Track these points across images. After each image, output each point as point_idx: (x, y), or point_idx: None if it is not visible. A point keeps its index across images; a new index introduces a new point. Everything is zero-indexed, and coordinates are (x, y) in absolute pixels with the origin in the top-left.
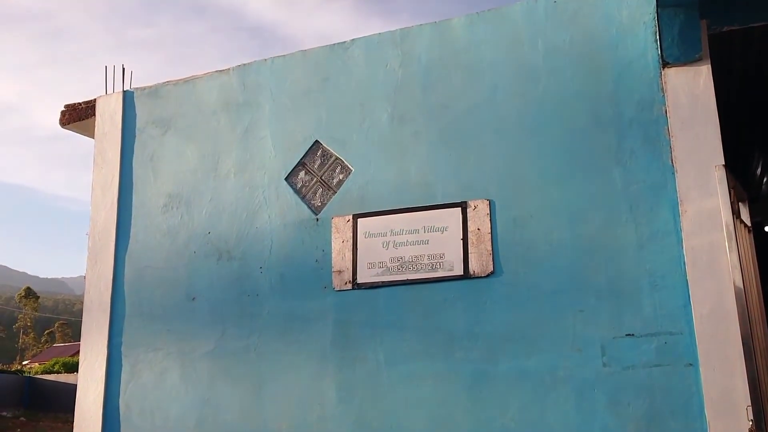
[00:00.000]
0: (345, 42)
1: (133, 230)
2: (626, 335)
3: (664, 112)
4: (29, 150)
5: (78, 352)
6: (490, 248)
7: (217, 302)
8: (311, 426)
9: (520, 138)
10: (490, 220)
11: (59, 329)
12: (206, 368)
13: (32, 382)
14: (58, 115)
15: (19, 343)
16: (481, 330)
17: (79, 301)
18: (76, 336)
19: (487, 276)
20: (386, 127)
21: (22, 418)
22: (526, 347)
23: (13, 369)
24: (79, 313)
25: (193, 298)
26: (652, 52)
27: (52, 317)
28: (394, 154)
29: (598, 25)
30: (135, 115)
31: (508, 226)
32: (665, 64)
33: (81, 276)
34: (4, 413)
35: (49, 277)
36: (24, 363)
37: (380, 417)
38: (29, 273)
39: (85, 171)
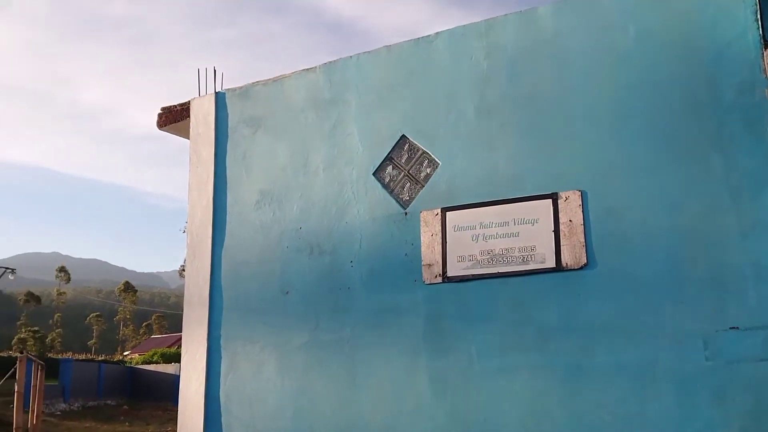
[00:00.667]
0: (429, 35)
1: (228, 227)
2: (730, 328)
3: (766, 95)
4: (123, 150)
5: (174, 343)
6: (583, 240)
7: (309, 296)
8: (405, 417)
9: (612, 126)
10: (583, 211)
11: (156, 321)
12: (301, 360)
13: (133, 372)
14: (153, 117)
15: (120, 335)
16: (576, 322)
17: (174, 294)
18: (172, 327)
19: (581, 268)
20: (473, 120)
21: (125, 406)
22: (623, 340)
23: (115, 359)
24: (174, 306)
25: (287, 292)
26: (753, 33)
27: (149, 310)
28: (482, 147)
29: (693, 5)
30: (227, 115)
31: (602, 217)
32: (767, 44)
33: (175, 270)
34: (110, 401)
35: (145, 271)
36: (125, 353)
37: (474, 409)
38: (127, 268)
39: (175, 169)
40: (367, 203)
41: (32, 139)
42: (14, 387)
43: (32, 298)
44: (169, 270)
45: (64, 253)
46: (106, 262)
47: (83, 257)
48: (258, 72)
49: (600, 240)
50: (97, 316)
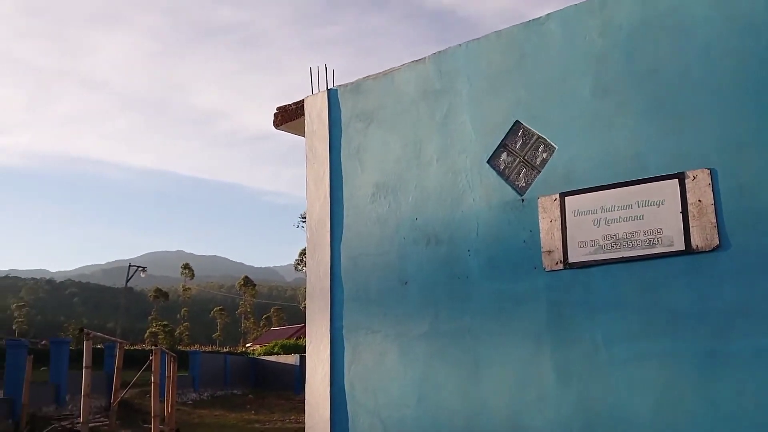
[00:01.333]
0: (540, 17)
1: (345, 220)
2: None
3: None
4: (237, 151)
5: (293, 334)
6: (714, 220)
7: (428, 285)
8: (530, 406)
9: (741, 98)
10: (713, 190)
11: (275, 314)
12: (423, 349)
13: (256, 362)
14: (264, 117)
15: (242, 327)
16: (709, 307)
17: (290, 287)
18: (290, 319)
19: (713, 250)
20: (589, 101)
21: (250, 396)
22: (762, 324)
23: (238, 351)
24: (291, 299)
25: (406, 282)
26: None
27: (267, 303)
28: (600, 128)
29: None
30: (340, 111)
31: (734, 196)
32: None
33: (290, 264)
34: (236, 391)
35: (262, 266)
36: (247, 345)
37: (602, 398)
38: (245, 263)
39: (286, 166)
40: (482, 191)
41: (153, 145)
42: (150, 378)
43: (161, 294)
44: (284, 264)
45: (187, 251)
46: (226, 259)
47: (205, 254)
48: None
49: (733, 220)
50: (220, 309)
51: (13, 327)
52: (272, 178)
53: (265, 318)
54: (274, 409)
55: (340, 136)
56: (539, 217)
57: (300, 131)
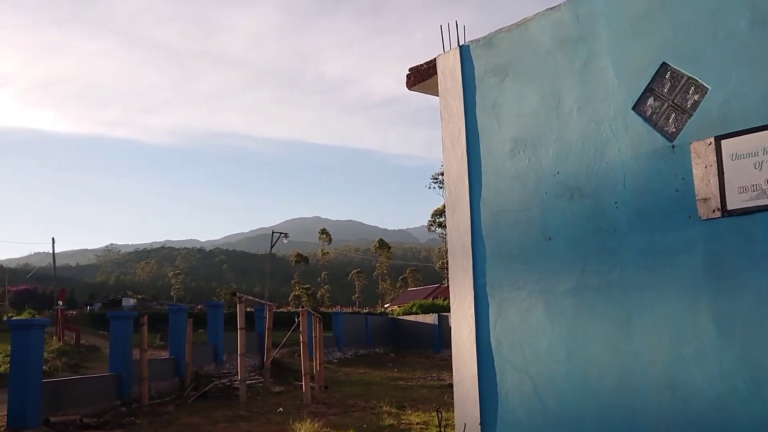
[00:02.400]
0: None
1: (484, 177)
2: None
3: None
4: (366, 116)
5: (429, 294)
6: None
7: (573, 240)
8: (687, 360)
9: None
10: None
11: (410, 275)
12: (570, 305)
13: (396, 322)
14: (391, 82)
15: (379, 289)
16: None
17: (424, 248)
18: (426, 280)
19: None
20: (746, 35)
21: (391, 354)
22: None
23: (377, 311)
24: (425, 259)
25: (549, 238)
26: None
27: (403, 264)
28: (760, 64)
29: None
30: (473, 67)
31: None
32: None
33: (423, 226)
34: (377, 350)
35: (396, 228)
36: (386, 306)
37: None
38: (379, 226)
39: (415, 129)
40: (628, 140)
41: (287, 116)
42: (298, 338)
43: (301, 259)
44: (417, 226)
45: (323, 216)
46: (360, 222)
47: (340, 219)
48: (494, 21)
49: None
50: (357, 272)
51: (171, 293)
52: (402, 140)
53: (401, 279)
54: (416, 367)
55: (475, 92)
56: (692, 164)
57: (433, 91)
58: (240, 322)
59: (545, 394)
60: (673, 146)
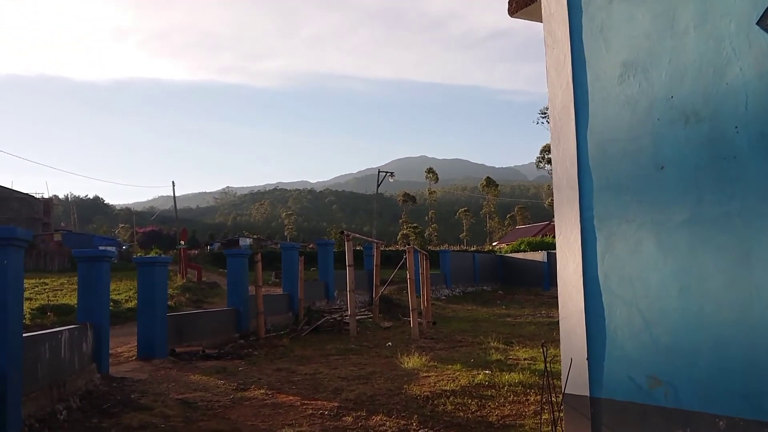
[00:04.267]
0: None
1: (591, 106)
2: None
3: None
4: (470, 52)
5: (538, 232)
6: None
7: (688, 169)
8: None
9: None
10: None
11: (519, 212)
12: (684, 237)
13: (504, 260)
14: (494, 16)
15: (487, 227)
16: None
17: (533, 186)
18: (534, 218)
19: None
20: None
21: (499, 291)
22: None
23: (485, 250)
24: (534, 197)
25: (662, 167)
26: None
27: (511, 201)
28: None
29: None
30: None
31: None
32: None
33: (531, 162)
34: (485, 287)
35: (503, 166)
36: (494, 244)
37: None
38: (486, 164)
39: (523, 63)
40: (751, 58)
41: (391, 56)
42: (406, 275)
43: (408, 198)
44: (525, 163)
45: (429, 156)
46: (467, 161)
47: (446, 158)
48: None
49: None
50: (464, 211)
51: (285, 233)
52: (509, 76)
53: (509, 217)
54: (524, 305)
55: (581, 15)
56: None
57: (537, 17)
58: (348, 259)
59: (657, 329)
60: None
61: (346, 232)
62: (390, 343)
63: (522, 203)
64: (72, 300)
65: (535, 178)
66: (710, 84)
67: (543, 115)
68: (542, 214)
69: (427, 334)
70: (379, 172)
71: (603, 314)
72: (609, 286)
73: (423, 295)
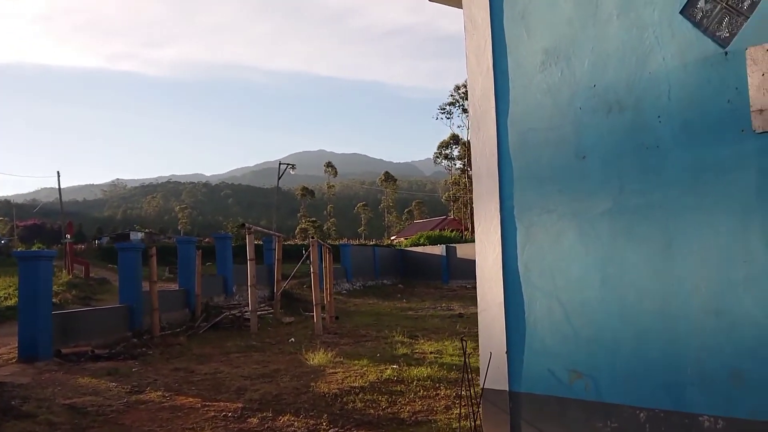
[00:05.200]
0: None
1: (512, 93)
2: None
3: None
4: (370, 47)
5: (435, 226)
6: None
7: (610, 158)
8: (736, 286)
9: None
10: None
11: (416, 207)
12: (605, 227)
13: (404, 253)
14: (396, 11)
15: (385, 221)
16: None
17: (429, 181)
18: (432, 213)
19: None
20: None
21: (400, 285)
22: None
23: (385, 243)
24: (431, 192)
25: (584, 157)
26: None
27: (408, 196)
28: None
29: None
30: None
31: None
32: None
33: (428, 158)
34: (385, 281)
35: (401, 161)
36: (392, 238)
37: None
38: (384, 159)
39: (422, 60)
40: (674, 47)
41: (293, 48)
42: (308, 270)
43: (307, 192)
44: (422, 159)
45: (328, 150)
46: (365, 156)
47: (345, 152)
48: None
49: None
50: (363, 205)
51: (178, 227)
52: (409, 73)
53: (407, 212)
54: (425, 298)
55: (503, 1)
56: (747, 72)
57: (455, 2)
58: (249, 252)
59: (578, 320)
60: (726, 53)
61: (247, 225)
62: (293, 339)
63: (419, 198)
64: None
65: (432, 173)
66: (633, 73)
67: (442, 111)
68: (439, 208)
69: (330, 329)
70: (280, 164)
71: (523, 306)
72: (529, 277)
73: (325, 289)
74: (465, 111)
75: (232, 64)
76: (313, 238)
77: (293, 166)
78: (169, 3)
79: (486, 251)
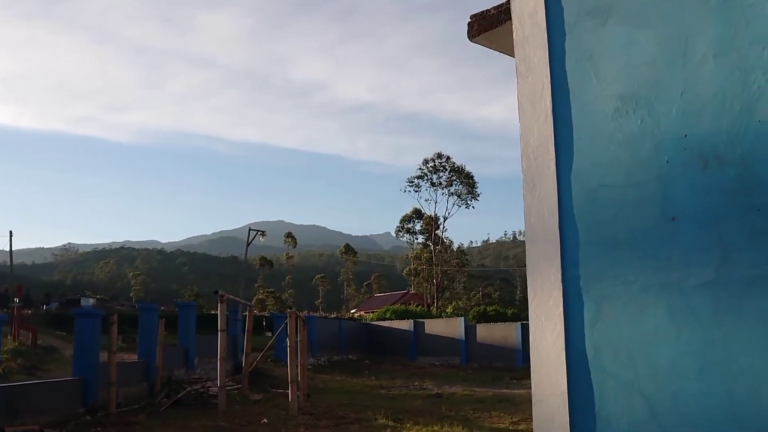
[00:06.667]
0: None
1: (576, 144)
2: None
3: None
4: (334, 121)
5: (397, 300)
6: None
7: (709, 220)
8: None
9: None
10: None
11: (375, 281)
12: (705, 303)
13: (370, 328)
14: (360, 88)
15: (344, 294)
16: None
17: (388, 255)
18: (390, 287)
19: None
20: None
21: (366, 361)
22: None
23: (345, 316)
24: (388, 267)
25: (674, 218)
26: None
27: (367, 270)
28: None
29: None
30: (561, 8)
31: None
32: None
33: (387, 232)
34: (351, 356)
35: (359, 234)
36: (352, 311)
37: None
38: (343, 232)
39: (382, 136)
40: None
41: (256, 119)
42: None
43: (266, 262)
44: (380, 232)
45: (287, 220)
46: (324, 228)
47: (304, 224)
48: None
49: None
50: (321, 277)
51: (131, 294)
52: (370, 148)
53: (365, 285)
54: (394, 375)
55: (564, 40)
56: None
57: (501, 43)
58: (221, 323)
59: (668, 419)
60: None
61: (220, 293)
62: (265, 420)
63: (378, 271)
64: None
65: (391, 247)
66: (736, 122)
67: (410, 184)
68: (398, 283)
69: (304, 409)
70: (250, 230)
71: (592, 398)
72: (600, 362)
73: (299, 365)
74: (433, 185)
75: (196, 132)
76: (290, 308)
77: (263, 233)
78: (134, 69)
79: (544, 329)
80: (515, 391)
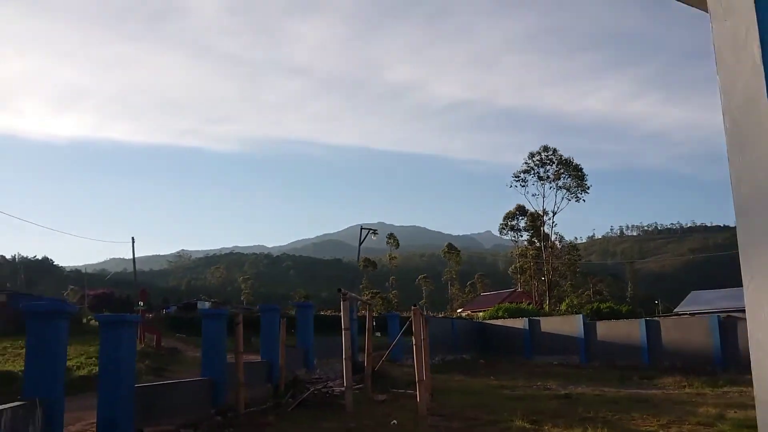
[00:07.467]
0: None
1: None
2: None
3: None
4: (428, 123)
5: (504, 299)
6: None
7: None
8: None
9: None
10: None
11: (479, 280)
12: None
13: (484, 327)
14: (453, 87)
15: (449, 294)
16: None
17: (489, 254)
18: (495, 286)
19: None
20: None
21: (481, 360)
22: None
23: (454, 316)
24: (490, 266)
25: None
26: None
27: (469, 269)
28: None
29: None
30: None
31: None
32: None
33: (488, 231)
34: (465, 356)
35: (460, 234)
36: (458, 310)
37: None
38: (443, 232)
39: (480, 134)
40: None
41: (352, 123)
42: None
43: (369, 263)
44: (481, 231)
45: (387, 222)
46: (424, 228)
47: (404, 225)
48: None
49: None
50: (424, 277)
51: (242, 298)
52: (468, 147)
53: (469, 284)
54: (514, 375)
55: None
56: None
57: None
58: (345, 321)
59: None
60: None
61: (342, 291)
62: (395, 421)
63: (480, 271)
64: (16, 366)
65: (492, 246)
66: None
67: (516, 179)
68: (501, 281)
69: (432, 410)
70: (361, 228)
71: None
72: None
73: (423, 364)
74: (540, 179)
75: (294, 139)
76: (415, 306)
77: (375, 231)
78: (232, 81)
79: (765, 315)
80: (650, 391)
